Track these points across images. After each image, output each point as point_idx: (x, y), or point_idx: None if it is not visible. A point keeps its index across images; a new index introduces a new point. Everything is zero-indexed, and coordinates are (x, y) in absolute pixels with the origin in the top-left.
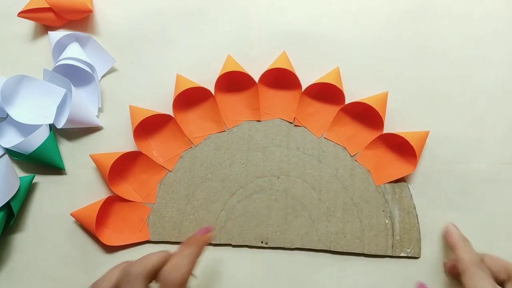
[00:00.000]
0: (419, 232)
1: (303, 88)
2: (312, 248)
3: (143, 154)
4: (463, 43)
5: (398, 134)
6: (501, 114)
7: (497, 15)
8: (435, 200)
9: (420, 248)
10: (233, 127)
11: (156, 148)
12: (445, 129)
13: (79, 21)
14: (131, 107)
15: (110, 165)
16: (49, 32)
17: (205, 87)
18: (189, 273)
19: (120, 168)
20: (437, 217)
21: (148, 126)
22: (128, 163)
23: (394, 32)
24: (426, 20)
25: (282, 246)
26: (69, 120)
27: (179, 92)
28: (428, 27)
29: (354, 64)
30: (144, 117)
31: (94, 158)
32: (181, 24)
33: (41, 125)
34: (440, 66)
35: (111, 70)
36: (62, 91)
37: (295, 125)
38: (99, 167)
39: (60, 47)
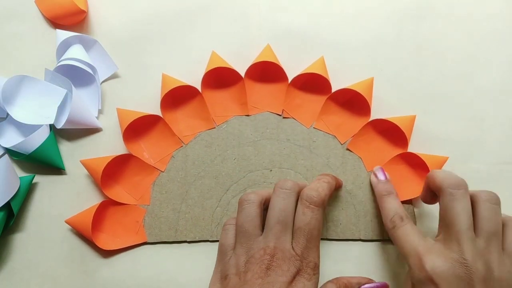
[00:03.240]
0: (414, 214)
1: (289, 80)
2: None
3: (134, 156)
4: (463, 43)
5: (387, 119)
6: (501, 114)
7: (497, 15)
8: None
9: None
10: (222, 123)
11: (147, 149)
12: (445, 129)
13: (76, 23)
14: (118, 110)
15: (101, 170)
16: (57, 30)
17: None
18: (327, 196)
19: (112, 172)
20: (437, 216)
21: (137, 128)
22: (120, 166)
23: (394, 32)
24: (426, 20)
25: None
26: (69, 121)
27: (166, 91)
28: (428, 27)
29: (354, 64)
30: (133, 119)
31: (85, 164)
32: (180, 25)
33: (42, 125)
34: (440, 66)
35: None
36: (63, 91)
37: (284, 117)
38: (91, 172)
39: (65, 46)
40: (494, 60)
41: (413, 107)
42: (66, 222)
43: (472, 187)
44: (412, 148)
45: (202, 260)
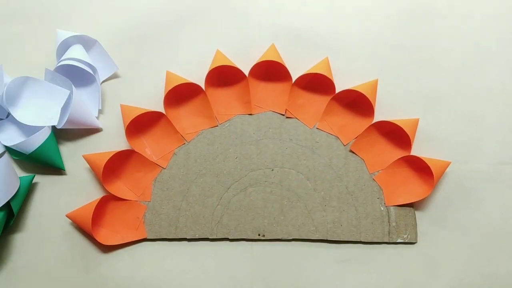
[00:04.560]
0: (415, 217)
1: (293, 79)
2: (309, 238)
3: (137, 152)
4: (463, 43)
5: (391, 121)
6: (501, 114)
7: (497, 15)
8: (435, 200)
9: (416, 234)
10: (225, 121)
11: (149, 145)
12: (445, 129)
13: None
14: (122, 106)
15: (103, 165)
16: (57, 30)
17: (202, 85)
18: None
19: (114, 167)
20: (437, 217)
21: (140, 124)
22: (122, 162)
23: (394, 32)
24: (426, 20)
25: (279, 237)
26: (69, 121)
27: (170, 88)
28: (428, 27)
29: (354, 64)
30: (136, 115)
31: (87, 158)
32: (181, 25)
33: (44, 126)
34: (440, 66)
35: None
36: (66, 92)
37: (287, 117)
38: (93, 167)
39: (65, 46)
40: (493, 60)
41: (413, 107)
42: (67, 216)
43: (472, 187)
44: (412, 147)
45: (201, 258)
